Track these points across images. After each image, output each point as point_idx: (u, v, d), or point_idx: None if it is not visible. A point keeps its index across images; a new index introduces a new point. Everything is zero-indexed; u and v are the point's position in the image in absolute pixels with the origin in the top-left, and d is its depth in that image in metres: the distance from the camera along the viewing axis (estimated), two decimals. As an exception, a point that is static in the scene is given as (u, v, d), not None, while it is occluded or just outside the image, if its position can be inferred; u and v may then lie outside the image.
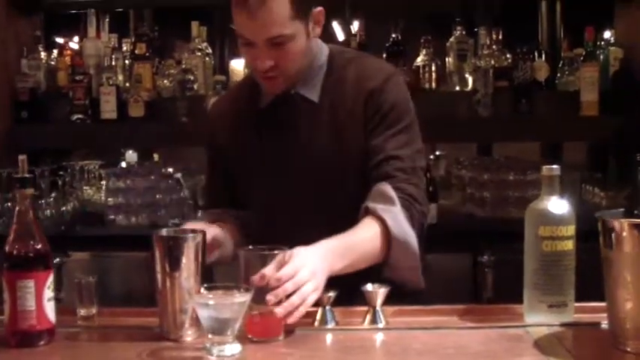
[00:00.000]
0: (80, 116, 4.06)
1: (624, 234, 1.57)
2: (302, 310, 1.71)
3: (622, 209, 1.71)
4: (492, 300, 3.45)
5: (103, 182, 4.14)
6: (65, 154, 4.51)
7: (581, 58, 4.07)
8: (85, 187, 4.17)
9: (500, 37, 4.09)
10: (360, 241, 1.96)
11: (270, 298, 1.65)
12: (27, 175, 1.69)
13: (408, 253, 2.04)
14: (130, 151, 4.88)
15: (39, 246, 1.67)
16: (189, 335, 1.70)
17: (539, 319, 1.79)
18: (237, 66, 4.24)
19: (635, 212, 1.67)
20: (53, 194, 3.95)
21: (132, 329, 1.80)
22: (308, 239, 1.86)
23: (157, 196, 3.87)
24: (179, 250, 1.71)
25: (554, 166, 1.83)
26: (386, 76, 2.19)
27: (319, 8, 2.10)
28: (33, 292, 1.65)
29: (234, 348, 1.57)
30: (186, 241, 1.73)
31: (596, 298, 1.79)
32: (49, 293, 1.68)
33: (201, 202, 3.84)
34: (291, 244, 1.81)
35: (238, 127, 2.25)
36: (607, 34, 4.37)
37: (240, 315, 1.57)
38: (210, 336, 1.57)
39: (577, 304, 1.83)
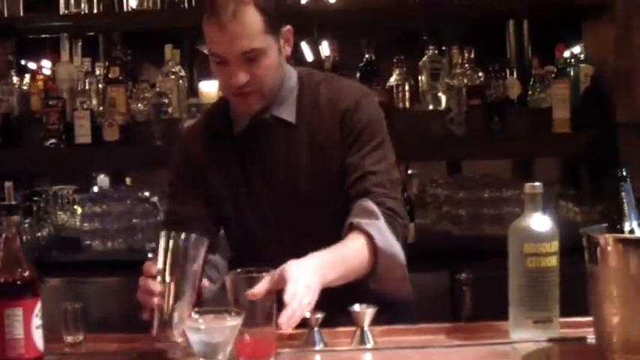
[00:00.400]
0: (54, 141, 4.03)
1: (609, 249, 1.59)
2: (297, 320, 1.71)
3: (605, 224, 1.73)
4: (471, 318, 3.46)
5: (77, 207, 4.12)
6: (35, 178, 4.49)
7: (552, 76, 4.12)
8: (59, 212, 4.15)
9: (472, 55, 4.13)
10: (349, 253, 1.98)
11: (283, 322, 1.65)
12: (13, 202, 1.69)
13: (395, 265, 2.07)
14: (102, 175, 4.87)
15: (26, 273, 1.67)
16: None
17: (525, 335, 1.81)
18: (207, 88, 4.24)
19: (618, 227, 1.69)
20: (28, 220, 3.92)
21: (119, 355, 1.80)
22: (291, 259, 1.84)
23: (134, 221, 3.87)
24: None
25: (537, 184, 1.85)
26: (357, 95, 2.23)
27: (288, 27, 2.14)
28: (21, 320, 1.64)
29: (225, 371, 1.58)
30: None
31: (577, 313, 1.81)
32: (37, 321, 1.67)
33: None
34: (274, 265, 1.80)
35: (214, 154, 2.25)
36: (576, 51, 4.42)
37: (231, 339, 1.57)
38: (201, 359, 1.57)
39: (561, 320, 1.85)
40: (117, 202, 3.91)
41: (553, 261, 1.81)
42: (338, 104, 2.20)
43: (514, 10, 4.48)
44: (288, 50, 2.17)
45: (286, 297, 1.67)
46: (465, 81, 4.07)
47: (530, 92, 4.22)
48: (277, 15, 2.09)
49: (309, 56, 7.95)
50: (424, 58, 4.20)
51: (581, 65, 4.16)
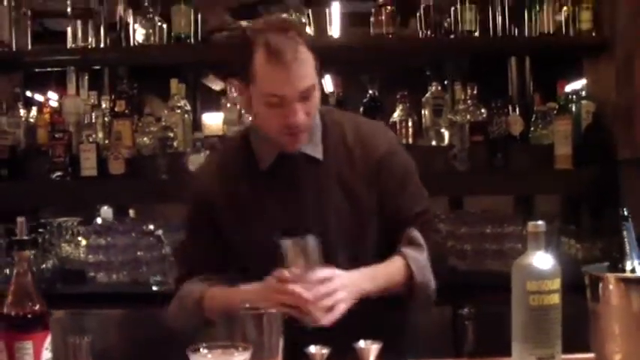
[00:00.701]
0: (60, 173, 4.06)
1: (611, 287, 1.62)
2: (335, 314, 1.93)
3: (607, 263, 1.76)
4: (473, 353, 3.48)
5: (80, 238, 4.15)
6: (39, 210, 4.53)
7: (554, 112, 4.16)
8: (63, 244, 4.18)
9: (474, 92, 4.17)
10: (389, 272, 2.19)
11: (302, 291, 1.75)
12: (25, 237, 1.72)
13: (427, 296, 2.33)
14: (105, 207, 4.90)
15: (37, 307, 1.70)
16: None
17: (528, 372, 1.83)
18: (210, 120, 4.30)
19: (620, 266, 1.72)
20: (33, 252, 3.95)
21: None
22: None
23: (138, 254, 3.90)
24: None
25: (540, 222, 1.88)
26: (390, 141, 2.38)
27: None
28: (31, 353, 1.67)
29: (232, 405, 1.60)
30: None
31: (578, 350, 1.83)
32: (47, 354, 1.70)
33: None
34: None
35: (236, 191, 2.28)
36: (577, 87, 4.47)
37: (240, 375, 1.60)
38: (209, 396, 1.60)
39: (564, 356, 1.87)
40: (121, 235, 3.95)
41: (555, 298, 1.84)
42: (372, 152, 2.30)
43: (516, 47, 4.53)
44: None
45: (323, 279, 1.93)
46: (468, 117, 4.11)
47: (532, 128, 4.26)
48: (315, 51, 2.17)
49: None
50: (427, 94, 4.24)
51: (583, 102, 4.20)
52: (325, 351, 1.85)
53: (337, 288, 2.01)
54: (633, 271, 1.71)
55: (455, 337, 3.61)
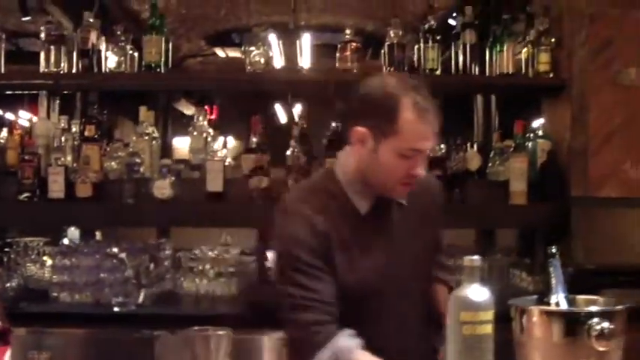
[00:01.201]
0: (28, 194, 4.15)
1: (534, 319, 1.75)
2: None
3: (535, 296, 1.89)
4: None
5: (46, 258, 4.23)
6: (6, 230, 4.60)
7: (511, 150, 4.31)
8: (28, 264, 4.25)
9: (435, 128, 4.29)
10: None
11: None
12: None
13: None
14: (72, 229, 4.98)
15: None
16: None
17: (461, 398, 1.95)
18: (179, 144, 4.41)
19: (545, 300, 1.84)
20: (-2, 270, 4.03)
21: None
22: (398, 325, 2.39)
23: (101, 275, 3.97)
24: None
25: (475, 257, 2.00)
26: (437, 182, 2.77)
27: None
28: (-10, 366, 1.77)
29: None
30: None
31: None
32: (5, 368, 1.79)
33: (145, 280, 3.96)
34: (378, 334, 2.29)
35: (342, 232, 2.38)
36: (535, 126, 4.62)
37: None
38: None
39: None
40: (86, 256, 4.02)
41: (488, 329, 1.95)
42: (430, 187, 2.61)
43: (477, 86, 4.69)
44: None
45: None
46: (428, 152, 4.22)
47: (490, 165, 4.40)
48: None
49: (283, 119, 8.15)
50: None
51: (539, 140, 4.35)
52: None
53: None
54: (558, 304, 1.84)
55: None
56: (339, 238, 2.37)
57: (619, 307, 1.75)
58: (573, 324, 1.70)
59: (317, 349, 2.27)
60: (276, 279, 2.55)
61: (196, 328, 1.89)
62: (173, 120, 6.55)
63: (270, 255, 4.52)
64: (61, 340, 3.75)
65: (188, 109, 6.97)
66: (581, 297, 1.89)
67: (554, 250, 1.89)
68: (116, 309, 3.84)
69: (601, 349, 1.67)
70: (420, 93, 2.31)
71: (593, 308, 1.79)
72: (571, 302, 1.86)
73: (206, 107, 4.71)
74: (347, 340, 2.28)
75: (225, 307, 3.94)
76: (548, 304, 1.84)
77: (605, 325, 1.66)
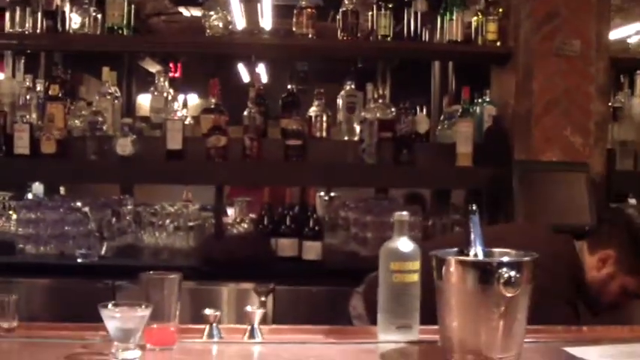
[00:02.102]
0: (-7, 150, 4.29)
1: (451, 268, 1.97)
2: None
3: (455, 249, 2.11)
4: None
5: (11, 212, 4.40)
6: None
7: (459, 114, 4.52)
8: (-6, 217, 4.42)
9: (386, 92, 4.50)
10: None
11: None
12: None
13: None
14: (37, 184, 5.14)
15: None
16: None
17: (389, 338, 2.17)
18: (144, 102, 4.57)
19: (465, 252, 2.07)
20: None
21: (49, 339, 2.13)
22: None
23: (65, 228, 4.16)
24: None
25: (404, 213, 2.23)
26: None
27: None
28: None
29: (134, 353, 1.91)
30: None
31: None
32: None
33: (107, 234, 4.15)
34: None
35: None
36: (483, 92, 4.83)
37: (141, 326, 1.91)
38: (116, 343, 1.90)
39: (422, 327, 2.22)
40: (50, 210, 4.20)
41: (414, 277, 2.18)
42: None
43: (428, 53, 4.87)
44: None
45: None
46: (378, 115, 4.43)
47: (438, 128, 4.61)
48: None
49: (245, 78, 8.29)
50: (342, 92, 4.57)
51: (486, 106, 4.55)
52: (218, 313, 2.18)
53: None
54: (476, 256, 2.06)
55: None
56: None
57: (526, 259, 1.98)
58: (485, 273, 1.92)
59: None
60: None
61: (151, 272, 2.09)
62: (137, 78, 6.68)
63: (228, 211, 4.73)
64: (26, 290, 3.93)
65: (153, 67, 7.09)
66: (496, 250, 2.12)
67: (474, 207, 2.11)
68: (80, 260, 4.03)
69: (508, 295, 1.89)
70: None
71: (504, 259, 2.02)
72: (487, 255, 2.09)
73: (170, 65, 4.85)
74: None
75: (183, 260, 4.13)
76: (467, 255, 2.06)
77: (512, 273, 1.88)
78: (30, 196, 4.93)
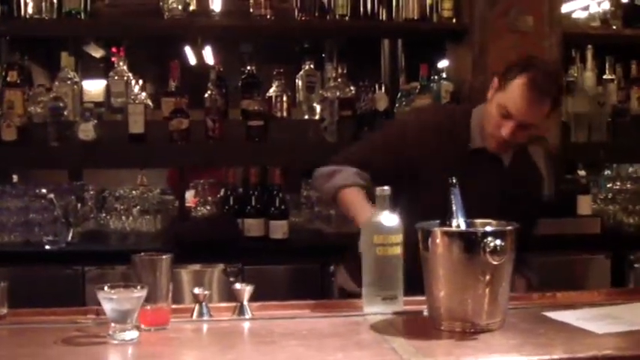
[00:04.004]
0: (-47, 139, 4.24)
1: (437, 240, 2.03)
2: None
3: (438, 221, 2.17)
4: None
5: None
6: None
7: (417, 91, 4.58)
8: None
9: (345, 71, 4.53)
10: None
11: None
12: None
13: None
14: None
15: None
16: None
17: (375, 310, 2.23)
18: (90, 87, 4.56)
19: (448, 223, 2.13)
20: None
21: (42, 324, 2.15)
22: None
23: (31, 216, 4.14)
24: None
25: (385, 187, 2.28)
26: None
27: None
28: None
29: (132, 334, 1.94)
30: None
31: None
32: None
33: (72, 219, 4.14)
34: None
35: (440, 148, 2.77)
36: (440, 68, 4.89)
37: (137, 307, 1.94)
38: (113, 325, 1.93)
39: (405, 298, 2.28)
40: (14, 198, 4.17)
41: (397, 250, 2.24)
42: (536, 174, 2.97)
43: (384, 31, 4.92)
44: None
45: None
46: (338, 93, 4.46)
47: (397, 105, 4.66)
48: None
49: (192, 60, 8.24)
50: (301, 72, 4.60)
51: (443, 82, 4.61)
52: (207, 292, 2.22)
53: None
54: (458, 227, 2.13)
55: (322, 290, 3.99)
56: (435, 153, 2.77)
57: (509, 228, 2.05)
58: (471, 242, 1.98)
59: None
60: None
61: (142, 254, 2.11)
62: (83, 63, 6.62)
63: (188, 194, 4.74)
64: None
65: (97, 52, 7.02)
66: (477, 220, 2.18)
67: (454, 180, 2.17)
68: (47, 247, 4.01)
69: (494, 262, 1.96)
70: (548, 78, 2.62)
71: (488, 228, 2.08)
72: (469, 225, 2.16)
73: (113, 49, 4.83)
74: (348, 170, 2.78)
75: (150, 243, 4.13)
76: (450, 227, 2.12)
77: (498, 242, 1.95)
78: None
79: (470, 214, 2.35)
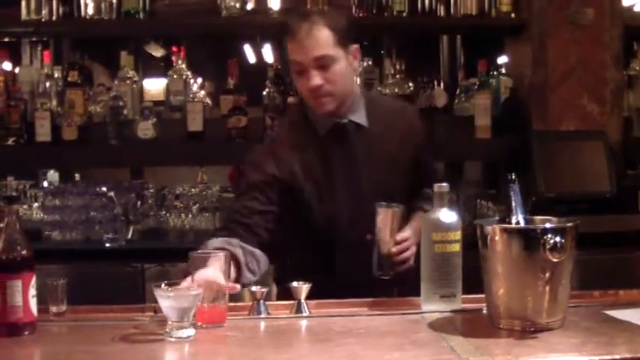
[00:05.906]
0: (15, 139, 4.31)
1: (496, 237, 2.00)
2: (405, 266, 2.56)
3: (497, 218, 2.14)
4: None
5: (35, 200, 4.42)
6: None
7: (476, 87, 4.54)
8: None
9: (403, 67, 4.51)
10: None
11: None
12: (14, 194, 2.03)
13: None
14: (52, 171, 5.15)
15: (25, 252, 2.02)
16: None
17: (433, 307, 2.21)
18: (150, 86, 4.61)
19: (507, 220, 2.09)
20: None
21: (100, 321, 2.17)
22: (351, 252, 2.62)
23: (91, 214, 4.19)
24: None
25: (444, 184, 2.25)
26: (415, 112, 3.01)
27: (355, 45, 2.65)
28: (20, 290, 1.99)
29: (189, 331, 1.94)
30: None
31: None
32: (32, 291, 2.02)
33: (132, 217, 4.18)
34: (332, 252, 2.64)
35: (304, 155, 2.68)
36: (499, 64, 4.84)
37: (194, 305, 1.94)
38: (170, 322, 1.94)
39: (464, 296, 2.25)
40: (75, 196, 4.22)
41: (456, 247, 2.21)
42: (406, 115, 2.87)
43: (442, 27, 4.88)
44: (355, 65, 2.70)
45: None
46: (396, 90, 4.45)
47: (456, 101, 4.63)
48: (346, 34, 2.60)
49: (252, 58, 8.25)
50: (360, 69, 4.57)
51: (502, 78, 4.58)
52: (264, 289, 2.22)
53: (411, 245, 2.58)
54: (517, 224, 2.09)
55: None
56: (306, 166, 2.66)
57: (569, 224, 2.01)
58: (530, 239, 1.95)
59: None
60: None
61: (199, 251, 2.11)
62: (143, 62, 6.67)
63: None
64: (55, 277, 3.95)
65: (157, 51, 7.08)
66: (537, 217, 2.15)
67: (513, 177, 2.13)
68: (107, 245, 4.06)
69: (555, 260, 1.92)
70: (300, 18, 2.57)
71: (548, 225, 2.04)
72: (529, 222, 2.12)
73: (174, 49, 4.86)
74: (212, 240, 2.53)
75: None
76: (510, 224, 2.09)
77: (558, 239, 1.91)
78: (46, 183, 4.95)
79: (363, 190, 2.59)
